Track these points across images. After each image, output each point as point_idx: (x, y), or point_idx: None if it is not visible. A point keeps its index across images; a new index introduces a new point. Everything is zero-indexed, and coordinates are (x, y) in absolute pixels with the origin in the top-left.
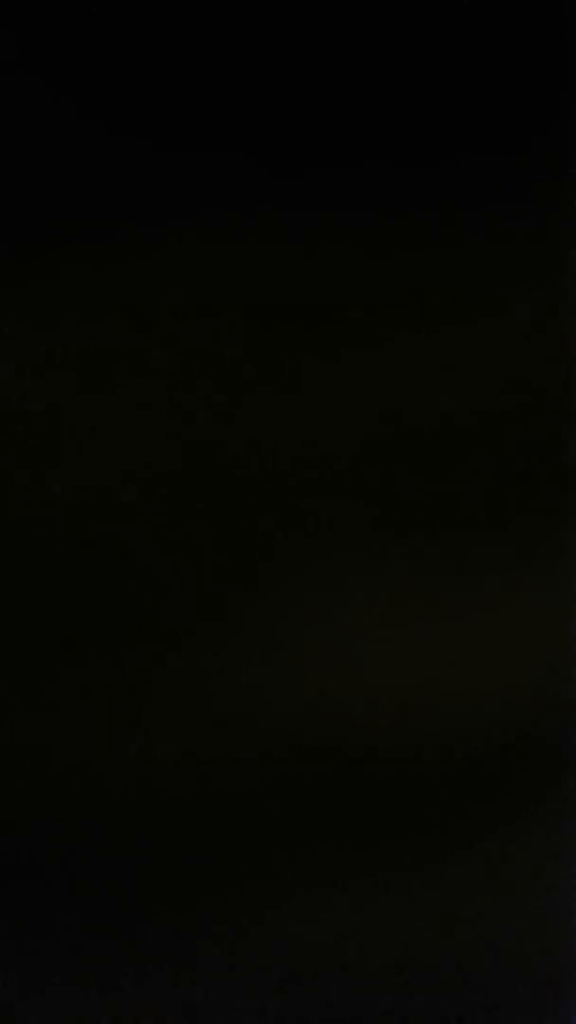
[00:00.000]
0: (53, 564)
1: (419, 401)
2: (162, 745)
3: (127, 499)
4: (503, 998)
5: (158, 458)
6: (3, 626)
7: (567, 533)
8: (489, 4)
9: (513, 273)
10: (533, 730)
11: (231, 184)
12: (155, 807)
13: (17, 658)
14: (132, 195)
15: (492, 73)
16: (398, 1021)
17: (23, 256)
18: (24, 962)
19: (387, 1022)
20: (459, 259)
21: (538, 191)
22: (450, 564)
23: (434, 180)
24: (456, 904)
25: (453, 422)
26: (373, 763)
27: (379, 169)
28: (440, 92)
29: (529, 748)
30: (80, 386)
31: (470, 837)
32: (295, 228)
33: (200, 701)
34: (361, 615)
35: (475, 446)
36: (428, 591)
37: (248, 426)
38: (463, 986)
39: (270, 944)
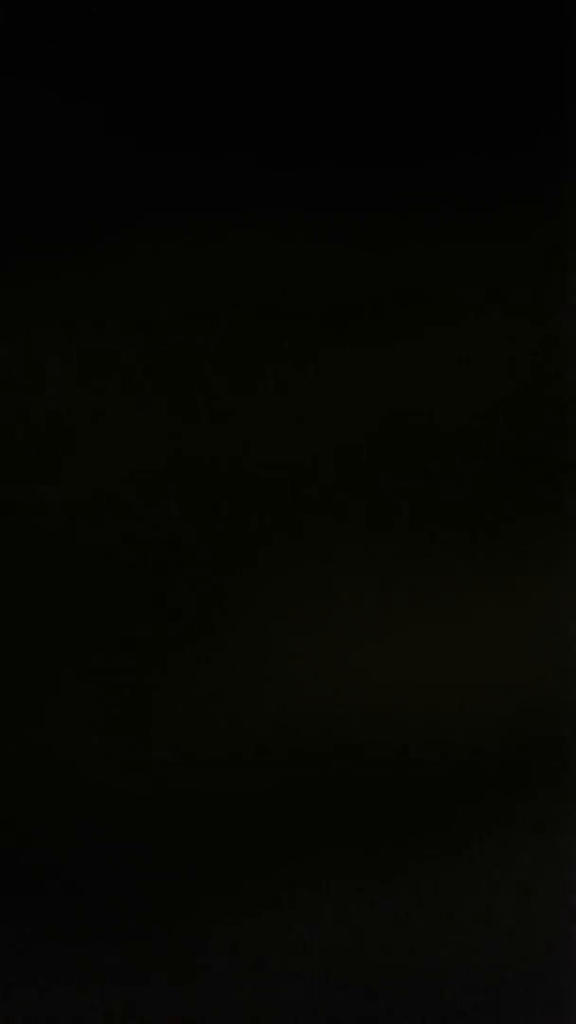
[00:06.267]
0: (51, 564)
1: (418, 401)
2: (161, 745)
3: (125, 498)
4: (503, 998)
5: (155, 458)
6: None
7: (567, 533)
8: (489, 4)
9: (513, 273)
10: (533, 730)
11: (231, 183)
12: (154, 806)
13: (15, 659)
14: (131, 195)
15: (492, 72)
16: (398, 1021)
17: (22, 256)
18: (24, 962)
19: (387, 1022)
20: (459, 259)
21: (538, 191)
22: (449, 563)
23: (434, 180)
24: (456, 904)
25: (452, 422)
26: (372, 763)
27: (379, 168)
28: (440, 91)
29: (529, 748)
30: (78, 386)
31: (470, 837)
32: (294, 227)
33: (199, 701)
34: (360, 614)
35: (475, 446)
36: (427, 590)
37: (246, 426)
38: (463, 986)
39: (270, 944)
